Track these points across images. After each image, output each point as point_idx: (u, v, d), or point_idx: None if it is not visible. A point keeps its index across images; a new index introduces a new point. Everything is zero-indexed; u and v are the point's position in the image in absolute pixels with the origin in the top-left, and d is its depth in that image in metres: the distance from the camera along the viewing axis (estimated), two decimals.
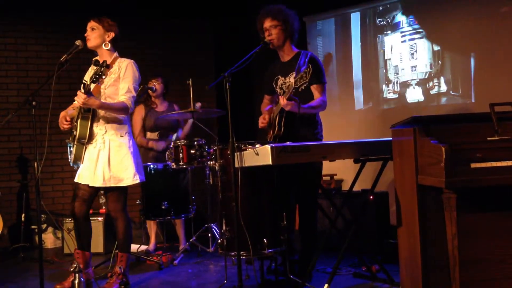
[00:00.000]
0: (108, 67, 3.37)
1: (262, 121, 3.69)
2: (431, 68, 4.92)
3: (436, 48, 4.86)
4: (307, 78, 3.12)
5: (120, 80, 3.52)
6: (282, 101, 3.30)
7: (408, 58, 5.08)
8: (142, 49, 5.90)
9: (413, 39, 5.04)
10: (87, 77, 3.59)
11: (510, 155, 2.55)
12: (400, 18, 5.14)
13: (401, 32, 5.12)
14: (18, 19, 5.61)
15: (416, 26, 5.02)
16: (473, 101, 4.58)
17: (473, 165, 2.50)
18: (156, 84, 4.78)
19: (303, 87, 3.50)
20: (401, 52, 5.13)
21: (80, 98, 3.32)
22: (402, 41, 5.13)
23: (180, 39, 6.21)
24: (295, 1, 3.76)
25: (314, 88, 3.56)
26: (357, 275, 3.64)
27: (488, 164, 2.51)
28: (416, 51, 5.02)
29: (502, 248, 2.70)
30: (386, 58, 5.26)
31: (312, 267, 3.48)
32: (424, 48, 4.95)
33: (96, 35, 3.54)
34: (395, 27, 5.17)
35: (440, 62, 4.85)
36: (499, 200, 2.69)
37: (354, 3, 5.37)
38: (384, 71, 5.27)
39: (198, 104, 4.47)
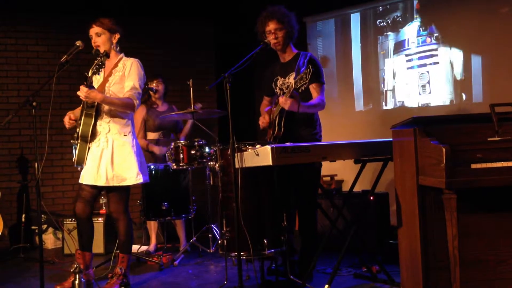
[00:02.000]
0: (108, 56, 3.36)
1: (262, 121, 3.70)
2: (451, 103, 4.52)
3: (459, 76, 4.30)
4: (307, 79, 3.13)
5: (125, 78, 3.52)
6: (282, 99, 3.29)
7: (418, 91, 4.64)
8: (142, 49, 5.88)
9: (424, 64, 4.59)
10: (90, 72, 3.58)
11: (510, 156, 2.55)
12: (405, 35, 4.86)
13: (406, 55, 4.84)
14: (19, 20, 5.61)
15: (428, 47, 4.58)
16: (473, 101, 4.57)
17: (473, 166, 2.50)
18: (157, 85, 4.78)
19: (303, 88, 3.51)
20: (408, 83, 4.68)
21: (82, 91, 3.32)
22: (409, 67, 4.75)
23: (181, 39, 6.21)
24: (295, 2, 3.76)
25: (312, 88, 3.56)
26: (357, 275, 3.64)
27: (489, 165, 2.51)
28: (428, 82, 4.57)
29: (502, 249, 2.70)
30: (386, 88, 4.91)
31: (313, 268, 3.48)
32: (440, 76, 4.40)
33: (104, 40, 3.52)
34: (398, 46, 4.92)
35: (464, 95, 4.37)
36: (499, 201, 2.69)
37: (354, 4, 5.37)
38: (384, 102, 5.01)
39: (198, 105, 4.47)
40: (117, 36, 3.58)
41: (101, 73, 3.52)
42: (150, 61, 5.81)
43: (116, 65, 3.54)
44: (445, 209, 2.58)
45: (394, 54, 5.10)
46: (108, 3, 5.39)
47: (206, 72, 6.12)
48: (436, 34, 4.79)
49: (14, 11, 5.54)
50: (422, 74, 4.87)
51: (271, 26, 3.56)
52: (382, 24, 5.21)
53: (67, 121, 3.55)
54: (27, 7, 5.53)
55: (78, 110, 3.63)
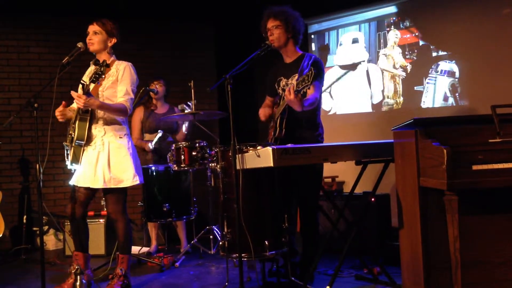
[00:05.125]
0: (108, 66, 3.37)
1: (263, 113, 3.67)
2: (445, 100, 4.70)
3: (458, 78, 4.57)
4: (309, 81, 3.08)
5: (118, 83, 3.53)
6: (289, 94, 3.16)
7: (418, 93, 4.84)
8: (143, 50, 5.91)
9: (423, 66, 4.79)
10: (85, 78, 3.59)
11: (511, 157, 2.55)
12: (403, 37, 4.96)
13: (406, 57, 4.93)
14: (20, 21, 5.62)
15: (427, 49, 4.74)
16: (474, 103, 4.57)
17: (475, 167, 2.50)
18: (158, 86, 4.78)
19: (304, 90, 3.44)
20: (407, 85, 4.90)
21: (81, 99, 3.33)
22: (407, 69, 4.93)
23: (182, 41, 6.22)
24: (297, 4, 3.76)
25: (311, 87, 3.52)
26: (358, 277, 3.64)
27: (490, 166, 2.50)
28: (428, 83, 4.75)
29: (504, 250, 2.70)
30: (386, 89, 5.09)
31: (314, 269, 3.48)
32: (439, 78, 4.69)
33: (99, 40, 3.53)
34: (397, 48, 5.02)
35: (458, 92, 4.61)
36: (501, 202, 2.69)
37: (357, 6, 5.37)
38: (385, 104, 5.13)
39: (182, 105, 4.46)
40: (114, 40, 3.58)
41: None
42: (151, 63, 5.85)
43: (109, 69, 3.54)
44: (446, 210, 2.57)
45: (393, 55, 5.10)
46: (110, 4, 5.39)
47: (207, 74, 6.13)
48: (431, 37, 4.81)
49: (15, 12, 5.55)
50: (421, 75, 4.87)
51: (269, 23, 3.57)
52: (382, 25, 5.21)
53: (59, 110, 3.50)
54: (29, 8, 5.54)
55: (68, 109, 3.62)
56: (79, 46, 3.47)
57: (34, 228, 5.31)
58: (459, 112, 4.57)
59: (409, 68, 5.00)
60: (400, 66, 5.06)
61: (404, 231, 2.92)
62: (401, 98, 5.08)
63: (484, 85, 4.49)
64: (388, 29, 5.15)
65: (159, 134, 4.65)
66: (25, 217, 5.05)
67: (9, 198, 5.36)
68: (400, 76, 5.07)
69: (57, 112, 3.52)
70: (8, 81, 5.57)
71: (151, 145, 4.66)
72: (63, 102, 3.53)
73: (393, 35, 5.12)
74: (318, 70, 3.45)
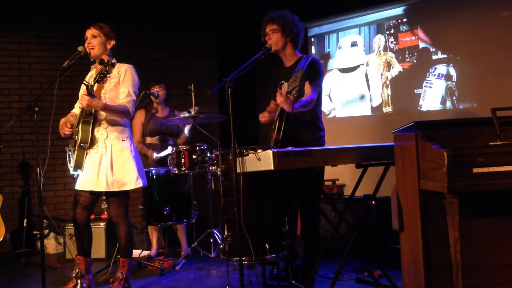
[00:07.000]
0: (113, 65, 3.37)
1: (262, 116, 3.67)
2: (443, 103, 4.71)
3: (457, 81, 4.59)
4: (296, 82, 3.08)
5: (120, 85, 3.53)
6: (280, 95, 3.20)
7: (419, 95, 4.83)
8: (144, 54, 5.91)
9: (423, 68, 4.79)
10: (89, 79, 3.58)
11: None
12: (404, 40, 4.97)
13: (407, 60, 4.94)
14: (21, 25, 5.63)
15: (426, 53, 4.73)
16: (475, 106, 4.57)
17: (475, 170, 2.50)
18: (158, 90, 4.79)
19: (294, 92, 3.38)
20: (409, 88, 4.89)
21: (83, 100, 3.33)
22: (408, 71, 4.91)
23: (183, 44, 6.23)
24: (297, 7, 3.77)
25: (306, 86, 3.51)
26: (359, 280, 3.64)
27: (491, 169, 2.50)
28: (428, 86, 4.78)
29: (504, 253, 2.69)
30: (388, 92, 5.10)
31: (315, 272, 3.47)
32: (438, 80, 4.70)
33: (98, 43, 3.54)
34: (398, 52, 5.02)
35: (456, 95, 4.64)
36: (501, 205, 2.69)
37: (358, 10, 5.38)
38: (385, 107, 5.14)
39: (196, 109, 4.45)
40: (112, 42, 3.59)
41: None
42: (152, 66, 5.85)
43: (111, 70, 3.54)
44: (447, 213, 2.57)
45: (394, 59, 5.11)
46: (110, 8, 5.40)
47: (208, 77, 6.13)
48: (431, 40, 4.81)
49: (16, 16, 5.56)
50: (422, 78, 4.87)
51: (267, 28, 3.59)
52: (382, 28, 5.22)
53: (64, 129, 3.53)
54: (30, 12, 5.55)
55: (69, 116, 3.64)
56: (80, 50, 3.47)
57: (35, 232, 5.30)
58: (457, 115, 4.57)
59: (399, 71, 5.00)
60: (392, 70, 5.07)
61: (404, 234, 2.92)
62: (391, 106, 5.09)
63: (482, 88, 4.49)
64: (387, 32, 5.16)
65: (169, 151, 4.61)
66: (25, 220, 5.05)
67: (9, 202, 5.36)
68: (387, 82, 5.08)
69: (62, 128, 3.52)
70: (8, 84, 5.58)
71: (157, 156, 4.67)
72: (66, 123, 3.54)
73: (388, 40, 5.13)
74: (312, 69, 3.44)
